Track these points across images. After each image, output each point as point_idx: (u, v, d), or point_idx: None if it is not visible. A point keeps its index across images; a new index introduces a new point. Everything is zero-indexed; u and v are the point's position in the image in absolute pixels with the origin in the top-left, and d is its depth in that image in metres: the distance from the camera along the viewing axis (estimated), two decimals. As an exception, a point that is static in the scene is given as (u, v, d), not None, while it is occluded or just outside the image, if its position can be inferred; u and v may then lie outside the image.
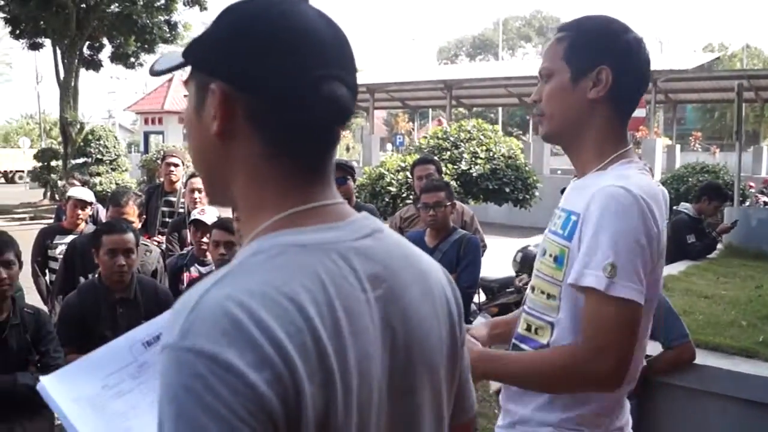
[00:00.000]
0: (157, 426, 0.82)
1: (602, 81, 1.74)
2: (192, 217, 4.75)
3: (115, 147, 20.67)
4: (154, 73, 1.07)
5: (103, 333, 3.63)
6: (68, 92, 23.80)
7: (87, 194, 5.88)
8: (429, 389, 1.02)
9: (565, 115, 1.80)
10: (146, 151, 32.65)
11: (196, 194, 5.56)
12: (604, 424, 1.79)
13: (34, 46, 25.75)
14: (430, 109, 46.06)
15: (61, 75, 24.22)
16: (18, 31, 25.18)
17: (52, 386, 1.33)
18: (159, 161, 19.44)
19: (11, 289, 3.32)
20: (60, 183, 22.27)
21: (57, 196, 22.97)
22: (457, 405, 1.14)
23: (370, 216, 1.06)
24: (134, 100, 42.72)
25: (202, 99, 0.98)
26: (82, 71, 25.49)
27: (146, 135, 36.60)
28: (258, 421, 0.80)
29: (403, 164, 11.62)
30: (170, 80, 38.45)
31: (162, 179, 6.43)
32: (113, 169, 20.40)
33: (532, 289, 1.85)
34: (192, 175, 5.74)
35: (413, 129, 42.63)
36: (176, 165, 6.21)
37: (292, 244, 0.92)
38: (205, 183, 1.07)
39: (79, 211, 5.75)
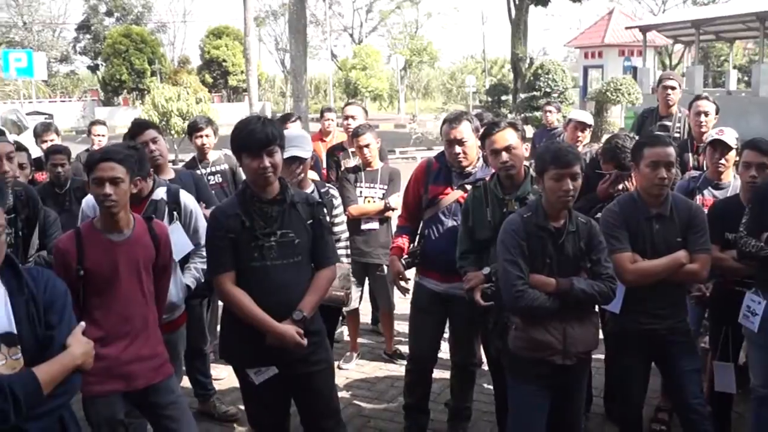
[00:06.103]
0: None
1: None
2: (710, 138, 4.60)
3: (563, 81, 21.13)
4: None
5: (641, 247, 3.74)
6: (519, 29, 24.95)
7: (587, 117, 6.14)
8: None
9: None
10: (585, 85, 32.79)
11: (702, 117, 5.40)
12: None
13: (487, -13, 27.37)
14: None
15: (512, 13, 25.41)
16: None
17: None
18: (609, 93, 19.52)
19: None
20: (510, 116, 23.62)
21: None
22: None
23: None
24: (568, 36, 43.00)
25: None
26: (531, 8, 26.44)
27: (585, 69, 36.65)
28: None
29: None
30: (610, 13, 37.84)
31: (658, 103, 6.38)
32: (561, 102, 20.89)
33: None
34: (697, 98, 5.57)
35: None
36: (673, 88, 6.14)
37: None
38: None
39: (579, 133, 6.07)
